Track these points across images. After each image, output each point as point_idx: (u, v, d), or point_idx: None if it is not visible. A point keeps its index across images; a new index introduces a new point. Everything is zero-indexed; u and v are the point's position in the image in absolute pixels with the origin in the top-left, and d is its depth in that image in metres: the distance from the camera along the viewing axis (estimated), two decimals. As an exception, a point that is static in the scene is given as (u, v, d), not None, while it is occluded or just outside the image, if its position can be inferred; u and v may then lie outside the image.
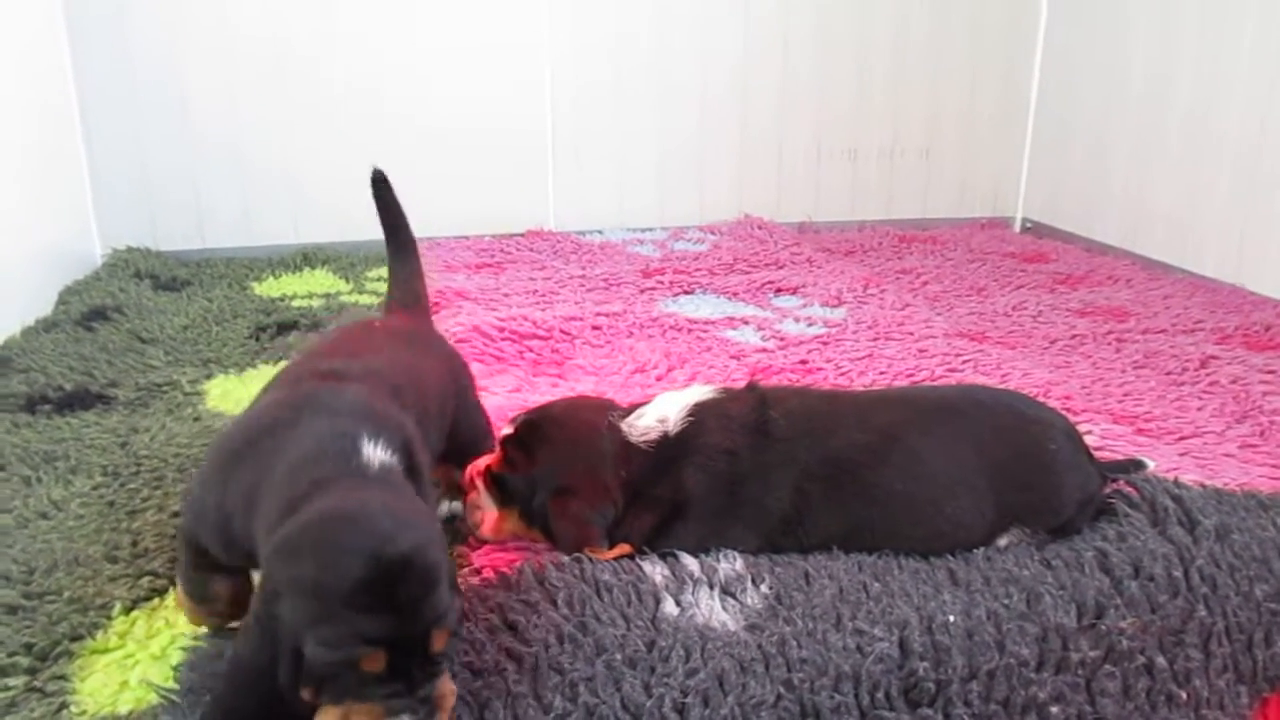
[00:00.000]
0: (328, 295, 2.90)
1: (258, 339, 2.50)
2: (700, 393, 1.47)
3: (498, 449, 1.48)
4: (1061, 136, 3.74)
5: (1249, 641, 1.23)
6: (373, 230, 3.34)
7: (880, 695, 1.11)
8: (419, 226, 3.39)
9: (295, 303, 2.82)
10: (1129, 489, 1.52)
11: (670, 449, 1.40)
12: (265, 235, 3.37)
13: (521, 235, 3.44)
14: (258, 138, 3.29)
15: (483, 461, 1.50)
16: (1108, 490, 1.53)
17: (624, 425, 1.43)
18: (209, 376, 2.23)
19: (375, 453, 1.10)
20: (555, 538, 1.41)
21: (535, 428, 1.45)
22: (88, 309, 2.60)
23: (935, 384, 1.96)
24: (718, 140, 3.64)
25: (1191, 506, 1.42)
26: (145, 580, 1.44)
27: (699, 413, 1.43)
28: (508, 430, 1.48)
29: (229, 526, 1.13)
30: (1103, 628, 1.19)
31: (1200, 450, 1.89)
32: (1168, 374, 2.31)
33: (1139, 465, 1.69)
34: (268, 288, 2.98)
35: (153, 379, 2.19)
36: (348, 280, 3.05)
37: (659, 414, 1.44)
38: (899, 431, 1.42)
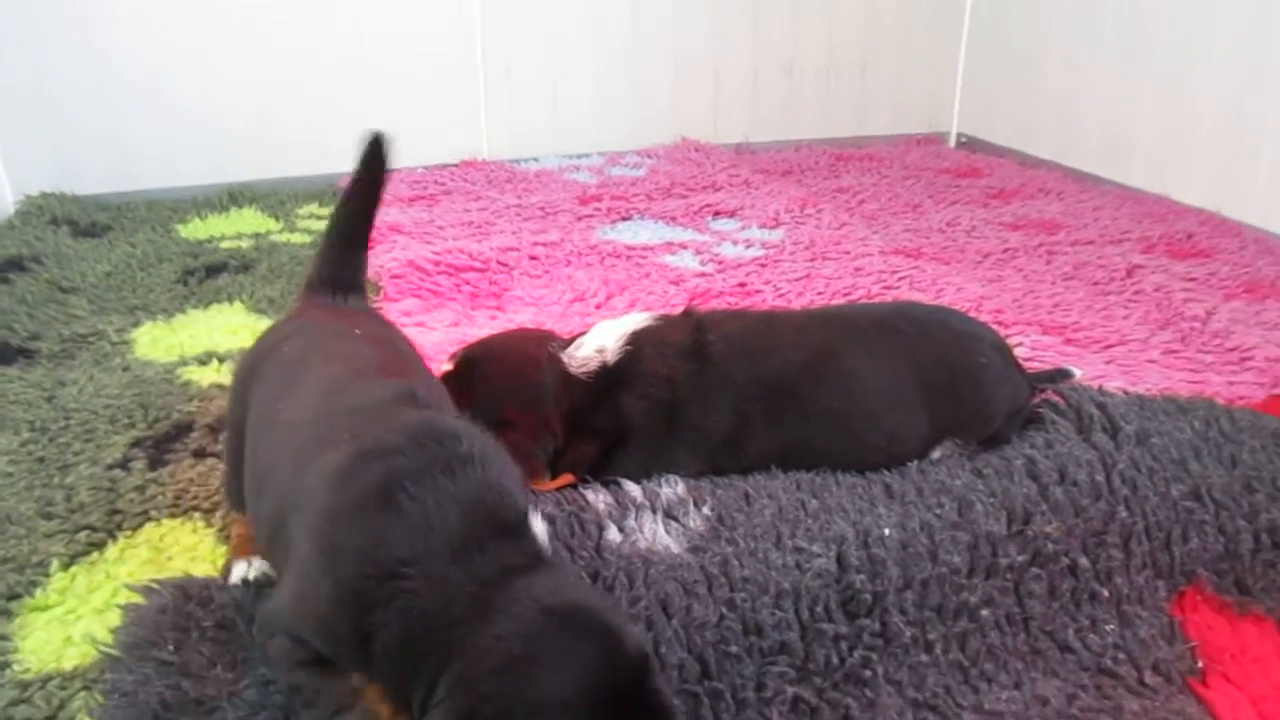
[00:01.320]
0: (257, 235, 2.82)
1: (185, 283, 2.43)
2: (637, 320, 1.47)
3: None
4: (995, 52, 3.74)
5: (1166, 539, 1.29)
6: (299, 166, 3.32)
7: (819, 609, 1.14)
8: (348, 161, 3.34)
9: (223, 244, 2.75)
10: (1056, 398, 1.56)
11: (609, 378, 1.41)
12: (189, 175, 3.26)
13: (456, 166, 3.38)
14: (175, 72, 3.15)
15: None
16: (1036, 400, 1.58)
17: (564, 357, 1.43)
18: (136, 324, 2.17)
19: (537, 519, 0.93)
20: None
21: (474, 363, 1.45)
22: (2, 260, 2.51)
23: (871, 302, 1.98)
24: (653, 61, 3.58)
25: (1114, 413, 1.47)
26: (83, 535, 1.42)
27: (636, 341, 1.43)
28: (447, 366, 1.47)
29: (361, 619, 0.87)
30: (1030, 533, 1.23)
31: (1124, 358, 1.95)
32: (1095, 284, 2.37)
33: (1066, 374, 1.74)
34: (194, 230, 2.89)
35: (77, 330, 2.13)
36: (277, 219, 2.98)
37: (597, 344, 1.44)
38: (835, 350, 1.44)
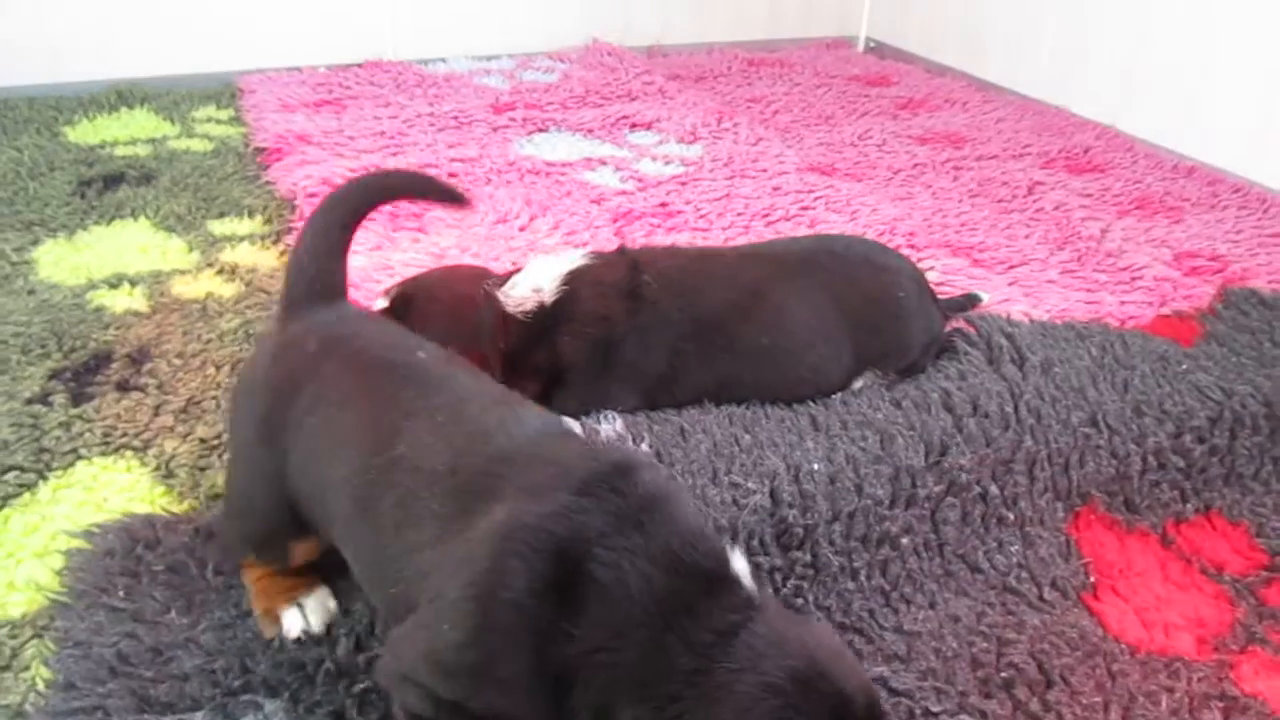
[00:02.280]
0: (154, 141, 2.69)
1: (83, 195, 2.32)
2: (572, 259, 1.49)
3: None
4: (904, -47, 3.75)
5: (1066, 464, 1.41)
6: (192, 63, 3.15)
7: (755, 543, 1.22)
8: (245, 59, 3.20)
9: (118, 150, 2.61)
10: (968, 327, 1.65)
11: (547, 318, 1.43)
12: (71, 71, 3.05)
13: (360, 66, 3.25)
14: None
15: None
16: (949, 329, 1.67)
17: (500, 295, 1.45)
18: (35, 243, 2.08)
19: (737, 556, 0.87)
20: None
21: (410, 300, 1.45)
22: (-123, 168, 2.35)
23: (795, 237, 2.02)
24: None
25: (1021, 343, 1.57)
26: (11, 476, 1.40)
27: (573, 280, 1.45)
28: (382, 303, 1.47)
29: (556, 703, 0.81)
30: (946, 464, 1.33)
31: (1026, 278, 2.06)
32: (999, 202, 2.46)
33: (975, 299, 1.84)
34: (83, 133, 2.73)
35: (-29, 248, 2.03)
36: (173, 122, 2.84)
37: (533, 283, 1.46)
38: (764, 288, 1.49)
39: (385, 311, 1.45)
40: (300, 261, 1.19)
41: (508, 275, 1.49)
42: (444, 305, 1.44)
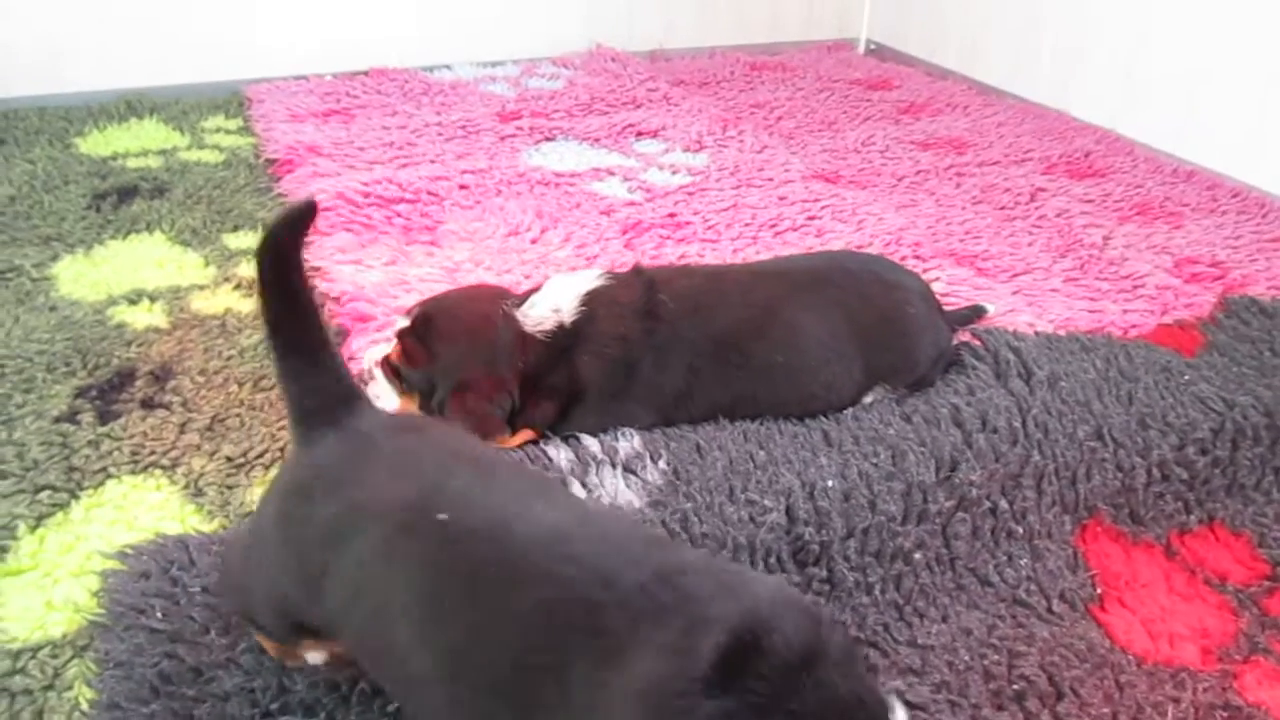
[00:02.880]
0: (164, 152, 2.72)
1: (98, 209, 2.35)
2: (590, 280, 1.52)
3: (395, 341, 1.50)
4: (904, -44, 3.77)
5: (1073, 477, 1.44)
6: (200, 71, 3.18)
7: (773, 560, 1.26)
8: (252, 67, 3.23)
9: (130, 162, 2.64)
10: (975, 341, 1.69)
11: (566, 338, 1.47)
12: (78, 80, 3.08)
13: (366, 74, 3.28)
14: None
15: (379, 352, 1.53)
16: (956, 342, 1.70)
17: (519, 316, 1.48)
18: (55, 258, 2.11)
19: (899, 709, 0.81)
20: None
21: (431, 321, 1.48)
22: (-105, 183, 2.38)
23: (807, 253, 2.05)
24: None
25: (1028, 357, 1.60)
26: (44, 495, 1.44)
27: (591, 301, 1.48)
28: (403, 322, 1.50)
29: None
30: (956, 480, 1.37)
31: (1030, 287, 2.09)
32: (1001, 209, 2.50)
33: (980, 311, 1.87)
34: (94, 144, 2.76)
35: (-8, 265, 2.06)
36: (182, 132, 2.87)
37: (552, 303, 1.49)
38: (778, 306, 1.53)
39: (406, 331, 1.49)
40: (288, 371, 1.03)
41: (526, 295, 1.53)
42: (464, 325, 1.47)
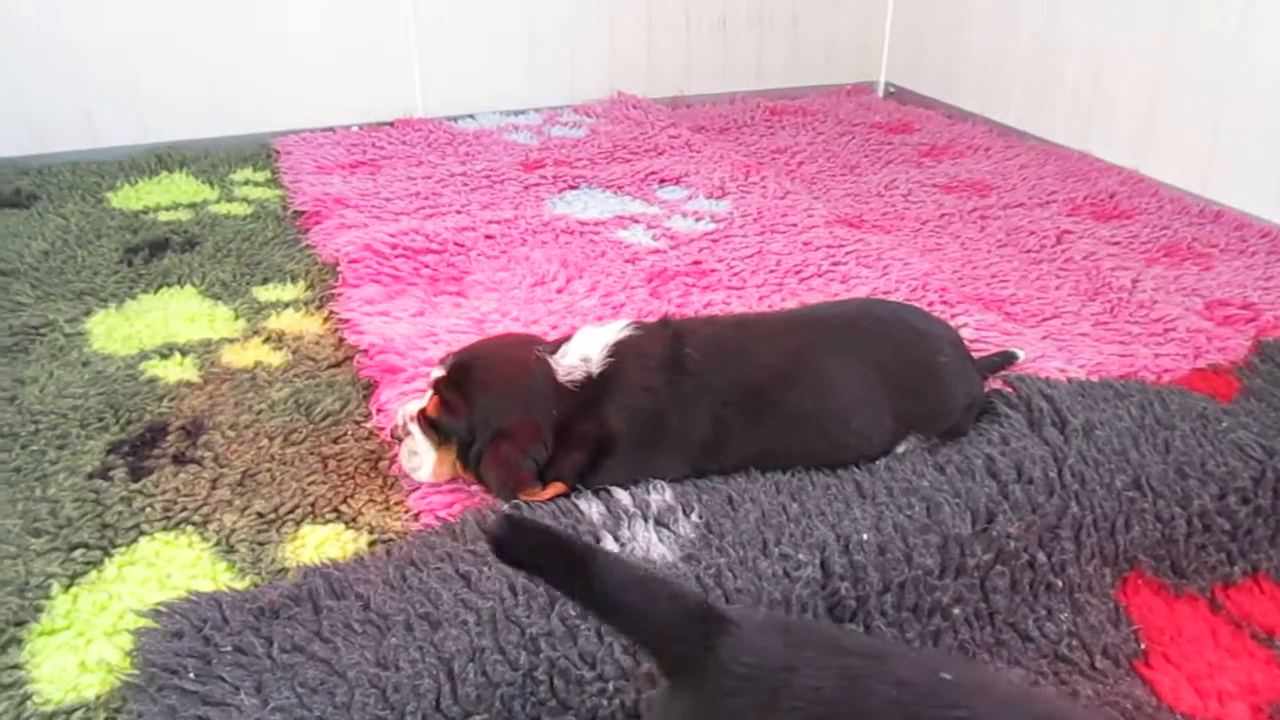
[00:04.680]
0: (195, 205, 2.76)
1: (130, 263, 2.38)
2: (617, 330, 1.52)
3: (430, 392, 1.51)
4: (923, 2, 3.80)
5: (1112, 529, 1.42)
6: (228, 125, 3.23)
7: (809, 615, 1.24)
8: (279, 119, 3.28)
9: (161, 216, 2.68)
10: (1006, 388, 1.67)
11: (593, 389, 1.46)
12: (109, 136, 3.14)
13: (391, 125, 3.32)
14: (88, 21, 3.00)
15: (414, 406, 1.53)
16: (987, 390, 1.69)
17: (552, 363, 1.48)
18: (88, 313, 2.13)
19: None
20: (488, 482, 1.47)
21: (468, 370, 1.49)
22: (-69, 240, 2.42)
23: (835, 301, 2.05)
24: (588, 11, 3.54)
25: (1061, 405, 1.59)
26: (78, 553, 1.44)
27: (618, 352, 1.48)
28: (438, 373, 1.51)
29: None
30: (994, 532, 1.35)
31: (1059, 332, 2.08)
32: (1027, 252, 2.49)
33: (1011, 357, 1.86)
34: (125, 198, 2.81)
35: (26, 320, 2.09)
36: (212, 185, 2.91)
37: (581, 353, 1.49)
38: (806, 354, 1.52)
39: (442, 381, 1.49)
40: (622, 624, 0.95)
41: (557, 343, 1.53)
42: (500, 373, 1.47)
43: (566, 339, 1.54)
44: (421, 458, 1.51)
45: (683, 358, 1.49)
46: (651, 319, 1.64)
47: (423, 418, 1.50)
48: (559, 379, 1.47)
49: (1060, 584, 1.36)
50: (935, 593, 1.29)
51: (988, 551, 1.33)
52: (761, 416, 1.50)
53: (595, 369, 1.48)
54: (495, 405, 1.46)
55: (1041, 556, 1.36)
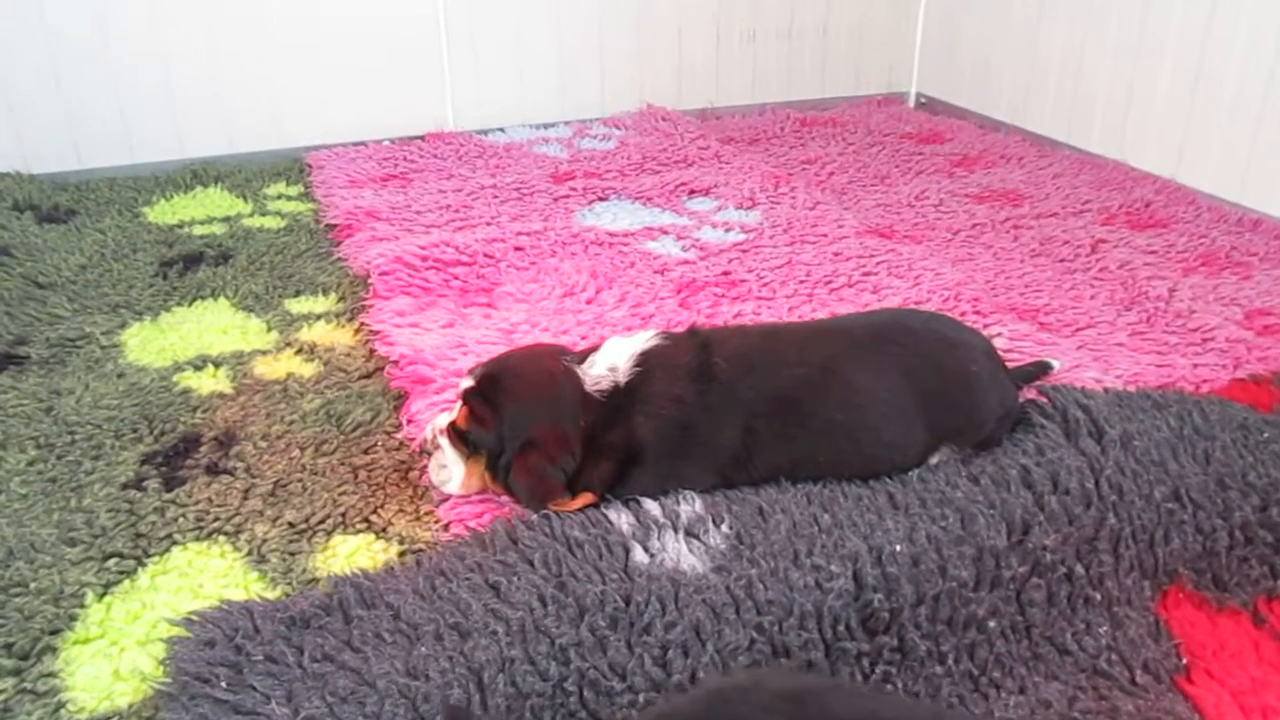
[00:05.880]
0: (228, 219, 2.79)
1: (165, 276, 2.41)
2: (646, 340, 1.52)
3: (460, 403, 1.51)
4: (954, 12, 3.78)
5: (1151, 541, 1.39)
6: (262, 140, 3.27)
7: (841, 628, 1.23)
8: (312, 134, 3.31)
9: (195, 230, 2.71)
10: (1041, 399, 1.65)
11: (621, 398, 1.46)
12: (147, 150, 3.19)
13: (422, 139, 3.35)
14: (127, 42, 3.05)
15: (443, 419, 1.53)
16: (1022, 400, 1.66)
17: (580, 373, 1.48)
18: (123, 326, 2.16)
19: None
20: (517, 492, 1.47)
21: (497, 381, 1.49)
22: (-28, 254, 2.46)
23: (865, 311, 2.04)
24: (617, 24, 3.55)
25: (1098, 416, 1.56)
26: (112, 563, 1.45)
27: (645, 361, 1.48)
28: (468, 383, 1.51)
29: None
30: (1030, 544, 1.32)
31: (1095, 342, 2.05)
32: (1061, 261, 2.46)
33: (1045, 368, 1.83)
34: (161, 213, 2.84)
35: (64, 332, 2.12)
36: (245, 199, 2.94)
37: (609, 363, 1.49)
38: (836, 364, 1.51)
39: (471, 391, 1.49)
40: None
41: (585, 353, 1.53)
42: (529, 383, 1.47)
43: (594, 349, 1.54)
44: (451, 470, 1.51)
45: (711, 367, 1.48)
46: (679, 329, 1.63)
47: (452, 430, 1.50)
48: (586, 389, 1.47)
49: (1099, 597, 1.33)
50: (970, 605, 1.27)
51: (1024, 564, 1.31)
52: (792, 426, 1.49)
53: (623, 379, 1.48)
54: (523, 415, 1.45)
55: (1079, 569, 1.34)
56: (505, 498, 1.52)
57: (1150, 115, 3.04)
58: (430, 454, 1.54)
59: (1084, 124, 3.27)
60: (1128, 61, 3.09)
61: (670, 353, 1.50)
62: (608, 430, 1.46)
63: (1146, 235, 2.60)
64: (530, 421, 1.45)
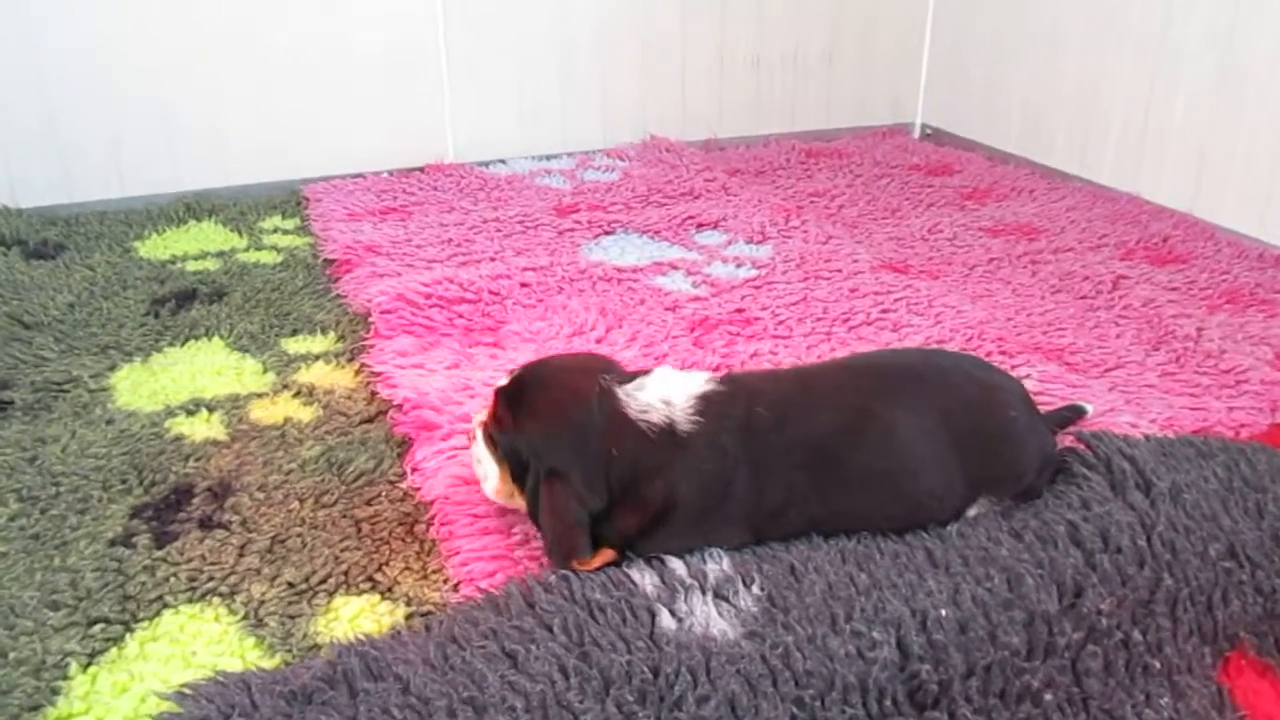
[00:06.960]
0: (223, 254, 2.71)
1: (156, 315, 2.32)
2: (701, 383, 1.41)
3: (492, 398, 1.43)
4: (960, 44, 3.74)
5: (1209, 603, 1.31)
6: (257, 173, 3.19)
7: (888, 702, 1.14)
8: (309, 166, 3.24)
9: (189, 265, 2.63)
10: (1082, 447, 1.57)
11: (669, 441, 1.34)
12: (140, 184, 3.10)
13: (422, 171, 3.28)
14: (120, 67, 2.97)
15: (485, 412, 1.46)
16: (1060, 447, 1.58)
17: (621, 394, 1.37)
18: (113, 368, 2.07)
19: None
20: (543, 532, 1.38)
21: (523, 387, 1.41)
22: (-45, 291, 2.37)
23: (893, 349, 1.96)
24: (619, 53, 3.50)
25: (1144, 466, 1.48)
26: (97, 629, 1.35)
27: (704, 409, 1.36)
28: (503, 381, 1.44)
29: None
30: (1083, 609, 1.24)
31: (1125, 383, 1.97)
32: (1082, 298, 2.39)
33: (1080, 411, 1.76)
34: (153, 248, 2.76)
35: (49, 375, 2.02)
36: (240, 234, 2.86)
37: (663, 395, 1.37)
38: (872, 407, 1.42)
39: (502, 389, 1.42)
40: None
41: (633, 374, 1.42)
42: (552, 398, 1.38)
43: (644, 373, 1.43)
44: (485, 469, 1.44)
45: (751, 417, 1.39)
46: (695, 368, 1.55)
47: (485, 427, 1.43)
48: (629, 414, 1.35)
49: (1158, 665, 1.25)
50: (1024, 676, 1.18)
51: (1078, 630, 1.23)
52: (831, 477, 1.39)
53: (680, 422, 1.36)
54: (543, 437, 1.36)
55: (1136, 634, 1.25)
56: (519, 553, 1.43)
57: (1165, 148, 2.99)
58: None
59: (1096, 156, 3.21)
60: (1140, 93, 3.04)
61: (724, 403, 1.39)
62: (648, 477, 1.34)
63: (1167, 271, 2.54)
64: (548, 443, 1.35)
